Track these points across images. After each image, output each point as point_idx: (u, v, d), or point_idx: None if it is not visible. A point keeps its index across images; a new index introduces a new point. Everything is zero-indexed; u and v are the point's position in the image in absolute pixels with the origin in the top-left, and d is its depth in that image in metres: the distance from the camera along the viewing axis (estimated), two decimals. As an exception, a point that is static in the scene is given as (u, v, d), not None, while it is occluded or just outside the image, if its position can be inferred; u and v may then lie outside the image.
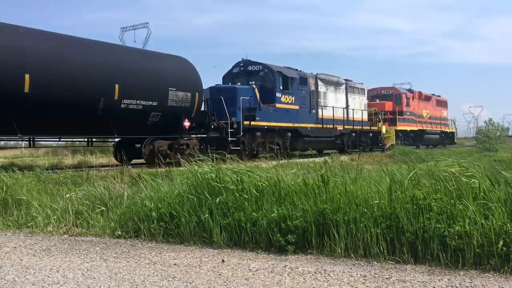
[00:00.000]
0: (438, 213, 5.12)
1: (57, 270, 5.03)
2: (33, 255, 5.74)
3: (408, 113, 33.24)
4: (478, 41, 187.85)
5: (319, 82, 23.98)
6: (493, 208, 4.98)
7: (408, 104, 33.28)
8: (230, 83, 21.04)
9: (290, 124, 21.10)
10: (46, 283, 4.56)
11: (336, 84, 25.55)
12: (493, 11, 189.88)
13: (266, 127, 19.66)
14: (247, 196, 6.23)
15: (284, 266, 5.01)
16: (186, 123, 16.51)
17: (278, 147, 19.93)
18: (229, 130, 17.58)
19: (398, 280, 4.46)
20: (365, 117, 28.16)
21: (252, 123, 18.80)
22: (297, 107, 21.75)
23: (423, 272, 4.73)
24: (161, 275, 4.77)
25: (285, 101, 20.99)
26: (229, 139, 17.63)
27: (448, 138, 41.35)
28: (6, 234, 7.03)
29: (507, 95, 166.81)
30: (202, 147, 16.75)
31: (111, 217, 7.12)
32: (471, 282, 4.35)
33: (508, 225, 4.77)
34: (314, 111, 23.14)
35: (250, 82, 20.27)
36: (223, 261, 5.27)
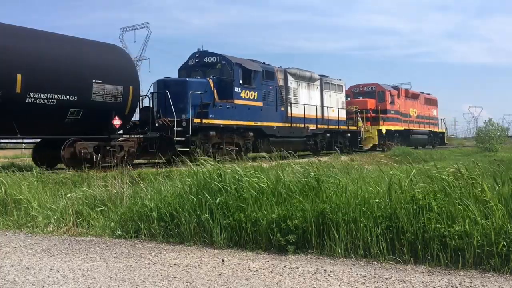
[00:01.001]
0: (438, 213, 5.13)
1: (57, 270, 5.03)
2: (33, 255, 5.74)
3: (392, 112, 30.69)
4: (477, 41, 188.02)
5: (289, 77, 21.71)
6: (494, 208, 4.98)
7: (392, 102, 30.78)
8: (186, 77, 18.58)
9: (252, 123, 18.82)
10: (46, 283, 4.57)
11: (309, 80, 23.24)
12: (493, 11, 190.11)
13: (222, 125, 17.38)
14: (247, 196, 6.23)
15: (284, 266, 5.01)
16: (117, 122, 14.15)
17: (237, 148, 17.65)
18: (176, 128, 15.50)
19: (398, 280, 4.46)
20: (343, 115, 25.72)
21: (204, 121, 16.58)
22: (260, 103, 19.39)
23: (423, 272, 4.73)
24: (161, 275, 4.77)
25: (246, 97, 18.64)
26: (175, 139, 15.54)
27: (437, 139, 38.83)
28: (6, 234, 7.03)
29: (507, 95, 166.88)
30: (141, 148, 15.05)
31: (111, 217, 7.12)
32: (471, 282, 4.35)
33: (508, 225, 4.77)
34: (282, 108, 20.89)
35: (210, 76, 17.92)
36: (223, 261, 5.27)
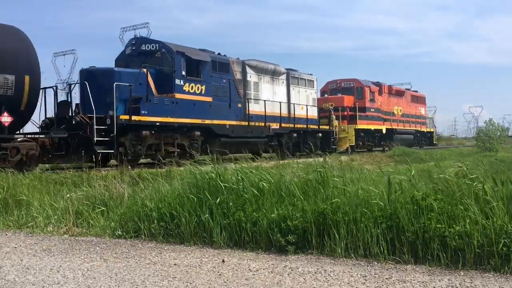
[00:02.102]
0: (438, 213, 5.12)
1: (57, 270, 5.03)
2: (33, 255, 5.74)
3: (372, 110, 28.17)
4: (477, 41, 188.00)
5: (248, 70, 19.40)
6: (495, 208, 4.98)
7: (372, 99, 28.32)
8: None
9: (199, 121, 16.58)
10: (47, 283, 4.57)
11: (273, 74, 20.99)
12: (493, 11, 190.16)
13: (158, 123, 15.09)
14: (247, 196, 6.23)
15: (285, 266, 5.01)
16: (5, 119, 11.95)
17: (179, 150, 15.86)
18: (96, 127, 13.31)
19: (398, 280, 4.46)
20: (313, 113, 23.45)
21: (135, 118, 14.27)
22: (209, 99, 17.10)
23: (423, 272, 4.73)
24: (161, 275, 4.77)
25: (191, 91, 16.39)
26: (96, 139, 13.32)
27: (425, 139, 36.43)
28: (7, 234, 7.04)
29: (507, 95, 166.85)
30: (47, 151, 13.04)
31: (112, 217, 7.13)
32: (471, 282, 4.35)
33: (508, 225, 4.77)
34: (240, 105, 18.62)
35: (147, 66, 15.50)
36: (223, 261, 5.27)
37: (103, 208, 7.41)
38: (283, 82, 21.71)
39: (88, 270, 5.03)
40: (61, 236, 6.85)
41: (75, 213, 7.44)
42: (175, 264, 5.19)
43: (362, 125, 26.96)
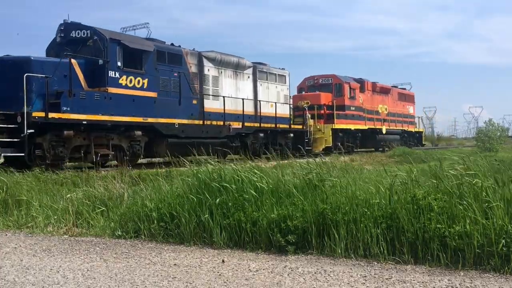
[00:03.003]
0: (438, 213, 5.12)
1: (57, 270, 5.03)
2: (33, 255, 5.74)
3: (353, 108, 26.16)
4: (477, 41, 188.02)
5: (206, 63, 17.46)
6: (495, 208, 4.98)
7: (353, 97, 26.24)
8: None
9: (139, 119, 14.51)
10: (46, 284, 4.57)
11: (237, 67, 18.94)
12: (493, 11, 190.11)
13: (85, 121, 13.03)
14: (247, 196, 6.23)
15: (284, 267, 5.01)
16: None
17: (113, 153, 13.95)
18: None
19: (398, 280, 4.46)
20: (285, 112, 21.42)
21: (53, 115, 12.30)
22: (153, 94, 15.09)
23: (423, 272, 4.73)
24: (161, 276, 4.77)
25: (129, 84, 14.28)
26: None
27: (413, 139, 34.28)
28: (6, 235, 7.03)
29: (507, 95, 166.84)
30: None
31: (111, 217, 7.12)
32: (471, 283, 4.35)
33: (508, 225, 4.77)
34: (195, 101, 16.73)
35: (75, 56, 13.44)
36: (223, 261, 5.27)
37: (103, 208, 7.41)
38: (248, 77, 19.63)
39: (88, 270, 5.03)
40: (61, 236, 6.84)
41: (75, 213, 7.44)
42: (175, 264, 5.19)
43: (340, 124, 24.96)
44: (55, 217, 7.47)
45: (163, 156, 14.02)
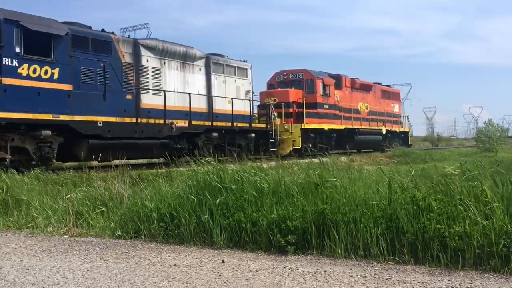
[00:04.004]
0: (438, 214, 5.12)
1: (57, 270, 5.03)
2: (33, 255, 5.74)
3: (326, 106, 23.90)
4: (477, 42, 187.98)
5: (144, 52, 15.40)
6: (495, 208, 4.98)
7: (327, 94, 23.96)
8: None
9: (48, 116, 12.36)
10: (46, 284, 4.56)
11: (185, 58, 16.70)
12: (493, 11, 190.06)
13: None
14: (247, 197, 6.23)
15: (284, 267, 5.01)
16: None
17: (10, 157, 11.73)
18: None
19: (398, 280, 4.46)
20: (245, 109, 19.20)
21: None
22: (67, 86, 12.85)
23: (423, 272, 4.73)
24: (161, 276, 4.77)
25: (32, 74, 12.06)
26: None
27: (398, 140, 31.83)
28: (6, 235, 7.03)
29: (507, 96, 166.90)
30: None
31: (111, 217, 7.12)
32: (471, 283, 4.35)
33: (508, 225, 4.77)
34: (129, 96, 14.61)
35: None
36: (223, 261, 5.27)
37: (103, 209, 7.41)
38: (200, 69, 17.40)
39: (88, 270, 5.02)
40: (61, 237, 6.84)
41: (75, 214, 7.44)
42: (175, 265, 5.19)
43: (311, 124, 22.65)
44: (55, 217, 7.47)
45: (84, 160, 12.53)
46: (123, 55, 14.63)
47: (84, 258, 5.57)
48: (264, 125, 20.37)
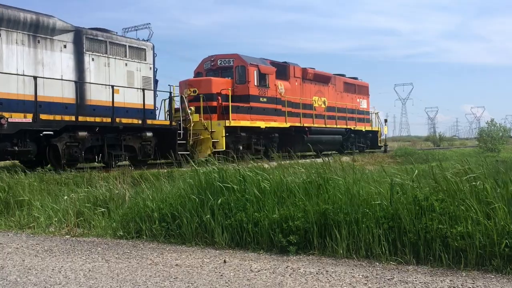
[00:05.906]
0: (440, 214, 5.11)
1: (59, 270, 5.04)
2: (35, 255, 5.75)
3: (264, 100, 19.52)
4: (477, 42, 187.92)
5: None
6: (497, 208, 4.97)
7: (264, 85, 19.54)
8: None
9: None
10: (48, 284, 4.57)
11: (36, 30, 12.61)
12: (493, 11, 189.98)
13: None
14: (248, 197, 6.23)
15: (286, 267, 5.00)
16: None
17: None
18: None
19: (400, 281, 4.45)
20: (138, 101, 14.85)
21: None
22: None
23: (425, 273, 4.72)
24: (163, 276, 4.77)
25: None
26: None
27: (365, 140, 27.86)
28: (8, 235, 7.05)
29: (509, 96, 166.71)
30: None
31: (113, 217, 7.13)
32: (473, 283, 4.34)
33: (511, 226, 4.76)
34: None
35: None
36: (224, 261, 5.27)
37: (105, 209, 7.41)
38: (65, 46, 13.30)
39: (89, 270, 5.03)
40: (63, 237, 6.85)
41: (76, 214, 7.44)
42: (176, 265, 5.19)
43: (240, 120, 18.24)
44: (57, 217, 7.48)
45: None
46: None
47: (86, 258, 5.58)
48: (167, 122, 16.00)
